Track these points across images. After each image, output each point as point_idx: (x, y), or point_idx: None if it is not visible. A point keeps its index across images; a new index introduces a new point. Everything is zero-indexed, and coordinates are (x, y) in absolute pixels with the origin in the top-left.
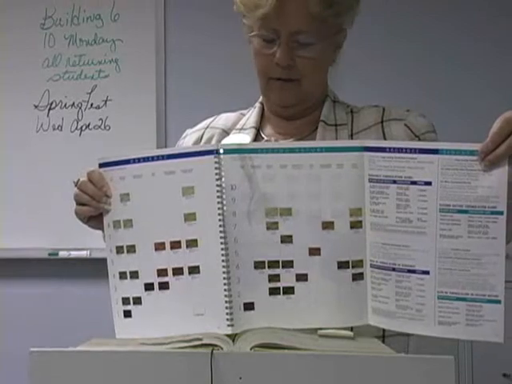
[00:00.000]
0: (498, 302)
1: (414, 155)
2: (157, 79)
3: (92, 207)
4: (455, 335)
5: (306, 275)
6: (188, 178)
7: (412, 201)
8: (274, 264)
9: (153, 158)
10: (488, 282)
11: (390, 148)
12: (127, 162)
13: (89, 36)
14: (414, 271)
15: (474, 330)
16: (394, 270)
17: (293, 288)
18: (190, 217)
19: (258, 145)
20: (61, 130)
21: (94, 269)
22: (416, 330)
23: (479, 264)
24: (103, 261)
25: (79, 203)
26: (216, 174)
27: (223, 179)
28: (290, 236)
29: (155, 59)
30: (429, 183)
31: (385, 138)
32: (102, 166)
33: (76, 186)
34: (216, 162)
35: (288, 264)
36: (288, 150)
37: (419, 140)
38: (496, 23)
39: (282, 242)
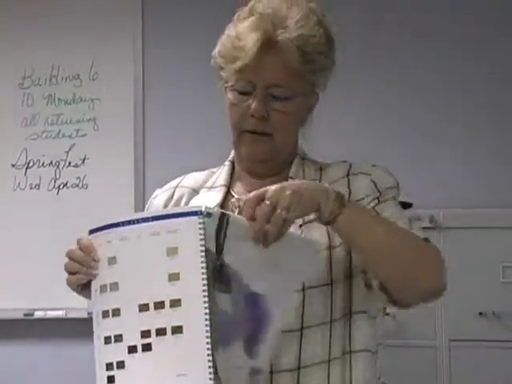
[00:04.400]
0: None
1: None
2: (135, 138)
3: (82, 274)
4: None
5: None
6: (173, 238)
7: None
8: None
9: (138, 221)
10: None
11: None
12: (116, 225)
13: (67, 95)
14: None
15: None
16: None
17: None
18: (173, 277)
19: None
20: (38, 188)
21: (70, 329)
22: None
23: None
24: (79, 321)
25: (70, 272)
26: (200, 234)
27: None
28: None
29: (133, 118)
30: None
31: (349, 189)
32: (91, 232)
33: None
34: (200, 223)
35: None
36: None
37: (380, 194)
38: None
39: None
